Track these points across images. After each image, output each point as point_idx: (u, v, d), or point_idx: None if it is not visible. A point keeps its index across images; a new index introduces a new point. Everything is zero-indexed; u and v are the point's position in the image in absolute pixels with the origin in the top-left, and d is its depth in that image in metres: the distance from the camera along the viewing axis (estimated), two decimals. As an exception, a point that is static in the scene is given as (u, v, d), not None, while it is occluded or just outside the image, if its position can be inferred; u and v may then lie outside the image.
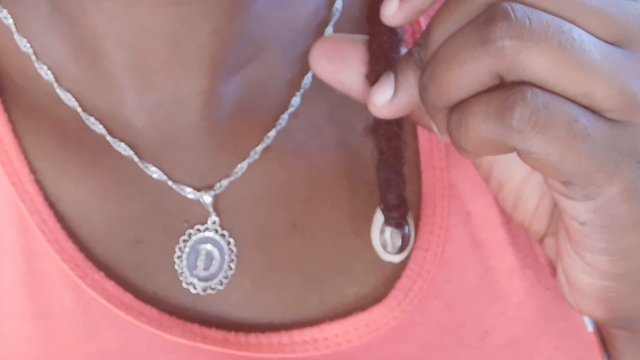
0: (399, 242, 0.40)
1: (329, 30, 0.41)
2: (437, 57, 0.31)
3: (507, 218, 0.43)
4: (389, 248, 0.40)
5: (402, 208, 0.39)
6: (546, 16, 0.30)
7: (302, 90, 0.40)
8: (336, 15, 0.41)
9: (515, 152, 0.30)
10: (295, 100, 0.40)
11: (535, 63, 0.29)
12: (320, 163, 0.41)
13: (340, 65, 0.37)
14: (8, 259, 0.37)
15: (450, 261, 0.42)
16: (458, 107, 0.31)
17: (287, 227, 0.40)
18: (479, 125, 0.30)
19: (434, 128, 0.34)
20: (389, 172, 0.38)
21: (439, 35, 0.32)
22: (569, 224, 0.33)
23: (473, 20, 0.30)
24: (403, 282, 0.41)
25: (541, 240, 0.39)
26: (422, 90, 0.32)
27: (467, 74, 0.30)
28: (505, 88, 0.30)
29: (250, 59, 0.38)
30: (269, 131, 0.40)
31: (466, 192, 0.43)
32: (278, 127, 0.40)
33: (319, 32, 0.41)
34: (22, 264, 0.37)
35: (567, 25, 0.30)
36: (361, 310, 0.40)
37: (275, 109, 0.40)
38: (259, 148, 0.40)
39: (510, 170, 0.38)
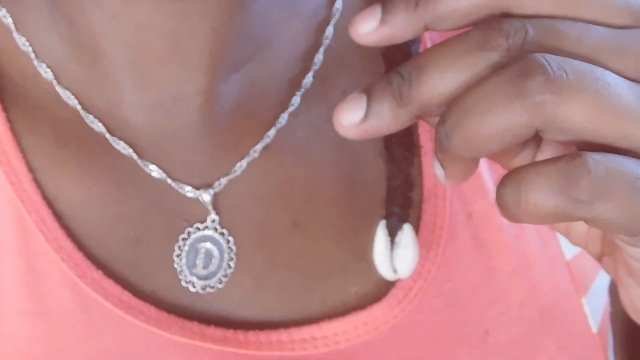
0: (409, 265, 0.39)
1: (329, 30, 0.41)
2: (464, 108, 0.29)
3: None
4: (397, 269, 0.40)
5: (405, 207, 0.39)
6: (579, 64, 0.29)
7: (302, 89, 0.40)
8: (336, 15, 0.41)
9: None
10: (296, 100, 0.40)
11: (574, 114, 0.28)
12: (320, 162, 0.41)
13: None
14: (7, 258, 0.37)
15: (451, 261, 0.42)
16: (511, 179, 0.29)
17: (287, 226, 0.40)
18: (543, 201, 0.28)
19: (439, 172, 0.33)
20: (398, 179, 0.39)
21: (445, 82, 0.30)
22: (630, 264, 0.33)
23: (504, 72, 0.29)
24: (403, 281, 0.41)
25: (599, 260, 0.37)
26: (445, 139, 0.30)
27: (500, 127, 0.29)
28: (564, 159, 0.29)
29: (251, 58, 0.38)
30: (268, 130, 0.40)
31: (468, 192, 0.43)
32: (278, 125, 0.40)
33: (319, 31, 0.41)
34: (21, 263, 0.37)
35: (599, 71, 0.29)
36: (361, 309, 0.40)
37: (276, 108, 0.40)
38: (259, 147, 0.40)
39: None
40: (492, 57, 0.30)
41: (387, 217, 0.39)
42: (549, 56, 0.29)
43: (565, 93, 0.28)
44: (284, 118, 0.40)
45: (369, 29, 0.32)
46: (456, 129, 0.30)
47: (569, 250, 0.45)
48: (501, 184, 0.30)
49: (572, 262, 0.45)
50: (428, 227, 0.42)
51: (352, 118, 0.32)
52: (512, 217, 0.30)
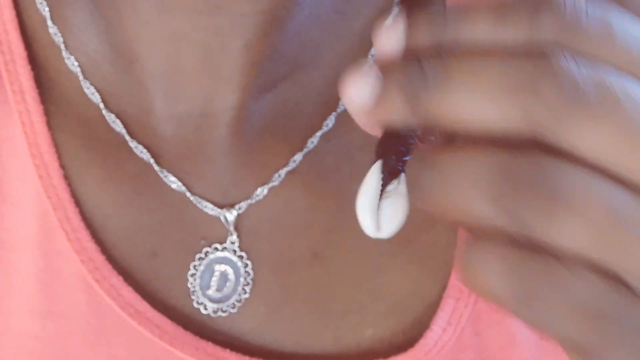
0: (398, 219, 0.30)
1: (372, 52, 0.39)
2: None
3: None
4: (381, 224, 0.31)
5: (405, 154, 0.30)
6: None
7: (339, 110, 0.39)
8: None
9: None
10: (330, 121, 0.39)
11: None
12: (348, 192, 0.39)
13: None
14: (26, 253, 0.37)
15: (483, 312, 0.40)
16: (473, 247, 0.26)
17: (307, 256, 0.39)
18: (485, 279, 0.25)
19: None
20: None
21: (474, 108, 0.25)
22: None
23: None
24: (431, 332, 0.39)
25: None
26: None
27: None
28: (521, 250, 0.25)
29: (285, 78, 0.37)
30: (296, 153, 0.39)
31: None
32: (306, 150, 0.39)
33: (362, 53, 0.39)
34: (40, 260, 0.37)
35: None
36: (381, 357, 0.38)
37: (306, 131, 0.39)
38: (283, 171, 0.39)
39: None
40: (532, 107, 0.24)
41: (385, 158, 0.30)
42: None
43: None
44: (313, 141, 0.39)
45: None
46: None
47: None
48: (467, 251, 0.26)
49: None
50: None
51: (360, 97, 0.27)
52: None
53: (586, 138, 0.23)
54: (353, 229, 0.39)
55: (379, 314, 0.39)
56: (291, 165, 0.39)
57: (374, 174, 0.30)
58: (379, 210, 0.30)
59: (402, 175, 0.30)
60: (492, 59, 0.24)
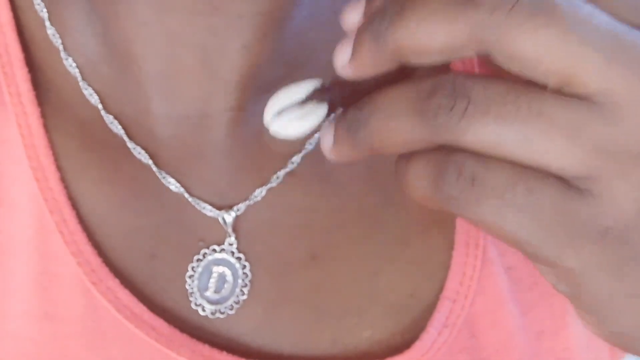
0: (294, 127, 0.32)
1: None
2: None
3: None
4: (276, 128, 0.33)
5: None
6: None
7: (338, 111, 0.39)
8: None
9: None
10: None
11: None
12: (345, 194, 0.39)
13: None
14: (22, 256, 0.37)
15: (478, 315, 0.40)
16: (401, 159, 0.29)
17: (305, 258, 0.39)
18: (416, 185, 0.28)
19: (326, 140, 0.31)
20: None
21: (424, 32, 0.28)
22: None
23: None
24: (427, 334, 0.39)
25: None
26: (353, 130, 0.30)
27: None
28: (443, 152, 0.28)
29: (284, 79, 0.37)
30: (294, 155, 0.39)
31: (504, 243, 0.41)
32: (304, 151, 0.39)
33: None
34: (36, 263, 0.37)
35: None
36: (378, 358, 0.38)
37: None
38: (282, 172, 0.39)
39: None
40: (473, 17, 0.27)
41: (327, 88, 0.33)
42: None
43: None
44: (312, 143, 0.39)
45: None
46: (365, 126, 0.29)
47: None
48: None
49: None
50: (456, 277, 0.40)
51: (342, 58, 0.30)
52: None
53: (526, 45, 0.26)
54: (351, 231, 0.39)
55: (377, 315, 0.39)
56: (289, 167, 0.39)
57: (306, 86, 0.33)
58: (286, 111, 0.32)
59: (324, 106, 0.32)
60: None
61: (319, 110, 0.32)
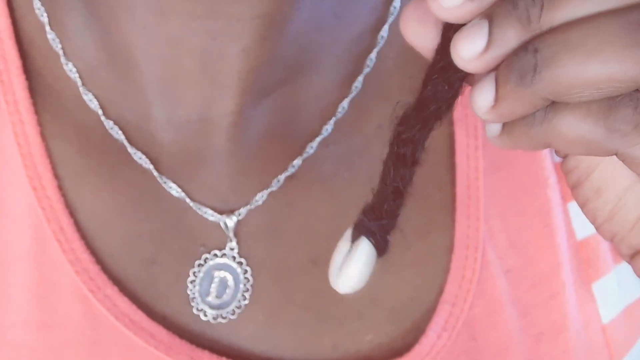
0: (350, 282, 0.32)
1: (371, 57, 0.39)
2: (568, 41, 0.25)
3: (543, 278, 0.41)
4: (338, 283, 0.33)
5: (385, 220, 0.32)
6: None
7: (337, 115, 0.39)
8: (380, 43, 0.40)
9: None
10: (328, 128, 0.39)
11: None
12: (346, 198, 0.39)
13: (432, 28, 0.29)
14: (20, 265, 0.37)
15: (477, 318, 0.40)
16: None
17: (306, 263, 0.39)
18: (577, 123, 0.26)
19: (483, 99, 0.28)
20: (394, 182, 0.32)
21: (586, 6, 0.26)
22: None
23: (623, 14, 0.25)
24: (426, 337, 0.39)
25: (633, 256, 0.33)
26: (530, 71, 0.26)
27: (604, 76, 0.25)
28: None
29: (284, 82, 0.37)
30: (295, 159, 0.39)
31: (503, 246, 0.41)
32: (305, 155, 0.39)
33: (360, 59, 0.39)
34: (34, 272, 0.37)
35: None
36: None
37: (305, 137, 0.39)
38: (282, 176, 0.38)
39: (616, 175, 0.32)
40: None
41: (357, 224, 0.32)
42: None
43: None
44: (312, 147, 0.39)
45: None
46: (551, 63, 0.25)
47: (607, 314, 0.42)
48: None
49: (609, 325, 0.42)
50: (455, 280, 0.40)
51: (472, 48, 0.27)
52: (542, 138, 0.27)
53: None
54: None
55: (378, 320, 0.39)
56: (290, 171, 0.39)
57: (346, 237, 0.32)
58: (342, 268, 0.32)
59: (363, 241, 0.32)
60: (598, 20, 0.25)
61: (364, 248, 0.32)
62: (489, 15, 0.27)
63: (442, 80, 0.28)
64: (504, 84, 0.26)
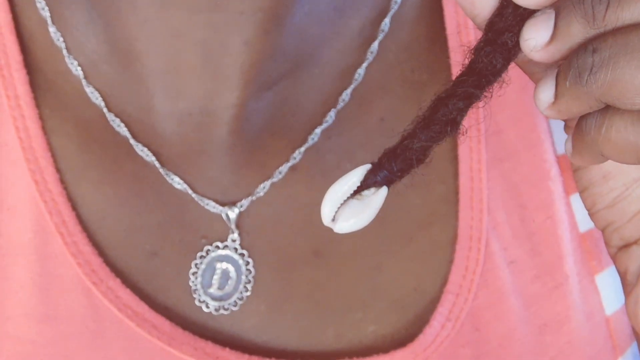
0: (355, 221, 0.29)
1: (374, 47, 0.39)
2: (629, 44, 0.25)
3: (547, 269, 0.41)
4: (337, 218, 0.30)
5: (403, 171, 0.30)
6: None
7: (339, 105, 0.39)
8: (380, 35, 0.40)
9: None
10: (331, 116, 0.39)
11: None
12: None
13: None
14: (22, 258, 0.37)
15: (481, 308, 0.40)
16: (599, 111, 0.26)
17: (308, 254, 0.39)
18: (626, 128, 0.26)
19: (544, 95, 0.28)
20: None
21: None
22: None
23: None
24: (430, 327, 0.39)
25: (621, 249, 0.34)
26: (587, 71, 0.26)
27: None
28: None
29: (285, 75, 0.37)
30: (297, 150, 0.39)
31: (506, 237, 0.41)
32: (306, 145, 0.39)
33: (361, 52, 0.39)
34: (36, 265, 0.37)
35: None
36: (382, 352, 0.38)
37: (307, 128, 0.39)
38: (284, 167, 0.39)
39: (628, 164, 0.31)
40: None
41: (378, 165, 0.30)
42: None
43: None
44: (315, 135, 0.39)
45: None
46: (607, 64, 0.25)
47: (610, 306, 0.42)
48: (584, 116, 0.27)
49: (613, 317, 0.42)
50: (459, 271, 0.40)
51: (538, 38, 0.27)
52: (593, 146, 0.26)
53: None
54: None
55: (381, 310, 0.39)
56: (292, 162, 0.39)
57: (357, 173, 0.30)
58: (343, 204, 0.29)
59: (384, 189, 0.30)
60: None
61: (379, 194, 0.29)
62: (558, 8, 0.27)
63: (494, 50, 0.28)
64: (563, 81, 0.27)
